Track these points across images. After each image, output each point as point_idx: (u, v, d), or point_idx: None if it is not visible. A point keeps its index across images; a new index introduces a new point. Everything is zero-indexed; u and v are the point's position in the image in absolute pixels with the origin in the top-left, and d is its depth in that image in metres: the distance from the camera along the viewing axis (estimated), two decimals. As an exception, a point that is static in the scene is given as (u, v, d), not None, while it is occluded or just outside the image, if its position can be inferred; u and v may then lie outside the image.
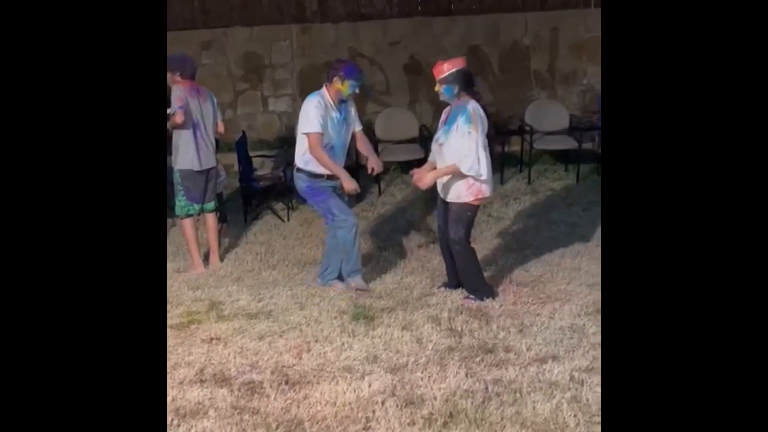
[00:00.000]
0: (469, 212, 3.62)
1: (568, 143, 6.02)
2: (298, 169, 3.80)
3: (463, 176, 3.50)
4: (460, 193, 3.56)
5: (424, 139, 6.04)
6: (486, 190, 3.58)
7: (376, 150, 5.97)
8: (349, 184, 3.74)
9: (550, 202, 5.42)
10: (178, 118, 3.94)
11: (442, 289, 3.88)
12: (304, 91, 5.34)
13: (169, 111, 3.96)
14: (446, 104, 3.64)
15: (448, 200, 3.64)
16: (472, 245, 4.49)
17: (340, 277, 3.96)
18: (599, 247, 4.46)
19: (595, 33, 6.78)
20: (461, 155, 3.44)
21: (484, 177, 3.50)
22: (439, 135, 3.61)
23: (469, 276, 3.76)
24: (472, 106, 3.50)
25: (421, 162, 5.87)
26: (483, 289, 3.75)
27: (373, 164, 3.88)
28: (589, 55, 6.85)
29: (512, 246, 4.56)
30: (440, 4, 6.75)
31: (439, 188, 3.70)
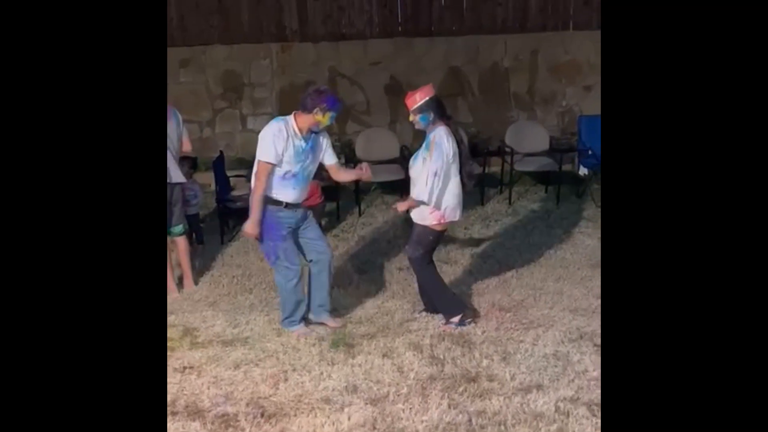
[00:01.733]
0: (431, 236, 3.59)
1: (549, 165, 6.02)
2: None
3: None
4: (423, 216, 3.54)
5: (405, 159, 5.99)
6: (450, 215, 3.55)
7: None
8: (250, 227, 3.42)
9: (531, 224, 5.39)
10: None
11: (424, 314, 3.81)
12: (284, 110, 5.25)
13: None
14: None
15: (414, 221, 3.63)
16: (451, 267, 4.48)
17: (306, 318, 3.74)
18: (581, 271, 4.44)
19: (574, 56, 6.86)
20: (416, 182, 3.50)
21: (426, 202, 3.45)
22: (411, 160, 3.65)
23: (434, 295, 3.72)
24: (436, 132, 3.48)
25: (403, 182, 5.86)
26: (454, 306, 3.68)
27: (365, 173, 3.59)
28: (568, 77, 6.92)
29: (494, 269, 4.51)
30: (421, 25, 6.76)
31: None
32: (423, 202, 3.47)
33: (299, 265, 3.58)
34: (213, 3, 6.53)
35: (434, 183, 3.41)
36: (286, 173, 3.42)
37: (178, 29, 6.48)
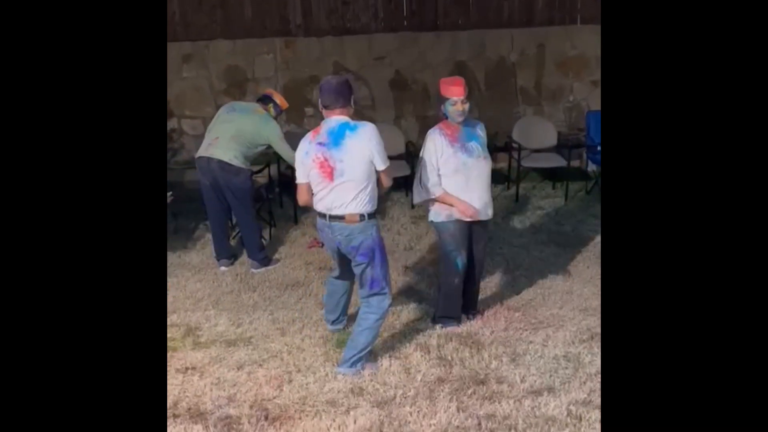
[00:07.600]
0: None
1: (557, 161, 5.93)
2: (362, 216, 2.99)
3: None
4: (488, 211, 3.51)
5: (410, 155, 5.91)
6: None
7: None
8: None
9: (539, 221, 5.31)
10: None
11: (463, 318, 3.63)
12: (289, 105, 5.18)
13: None
14: (429, 122, 3.61)
15: (487, 219, 3.50)
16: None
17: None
18: (590, 269, 4.36)
19: (581, 50, 6.75)
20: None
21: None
22: (474, 149, 3.35)
23: (476, 285, 3.74)
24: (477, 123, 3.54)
25: (407, 179, 5.77)
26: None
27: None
28: (575, 72, 6.81)
29: (501, 266, 4.43)
30: (426, 20, 6.66)
31: (482, 211, 3.40)
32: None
33: None
34: (216, -3, 6.45)
35: None
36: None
37: (180, 24, 6.39)
